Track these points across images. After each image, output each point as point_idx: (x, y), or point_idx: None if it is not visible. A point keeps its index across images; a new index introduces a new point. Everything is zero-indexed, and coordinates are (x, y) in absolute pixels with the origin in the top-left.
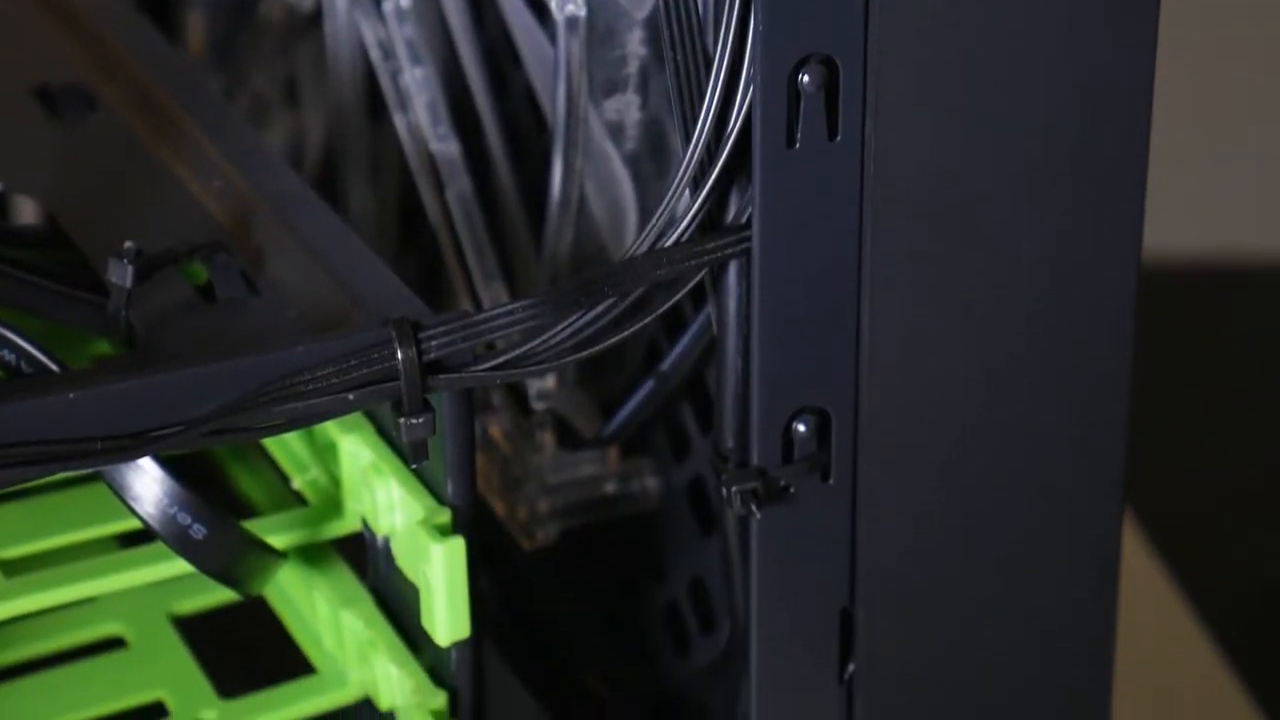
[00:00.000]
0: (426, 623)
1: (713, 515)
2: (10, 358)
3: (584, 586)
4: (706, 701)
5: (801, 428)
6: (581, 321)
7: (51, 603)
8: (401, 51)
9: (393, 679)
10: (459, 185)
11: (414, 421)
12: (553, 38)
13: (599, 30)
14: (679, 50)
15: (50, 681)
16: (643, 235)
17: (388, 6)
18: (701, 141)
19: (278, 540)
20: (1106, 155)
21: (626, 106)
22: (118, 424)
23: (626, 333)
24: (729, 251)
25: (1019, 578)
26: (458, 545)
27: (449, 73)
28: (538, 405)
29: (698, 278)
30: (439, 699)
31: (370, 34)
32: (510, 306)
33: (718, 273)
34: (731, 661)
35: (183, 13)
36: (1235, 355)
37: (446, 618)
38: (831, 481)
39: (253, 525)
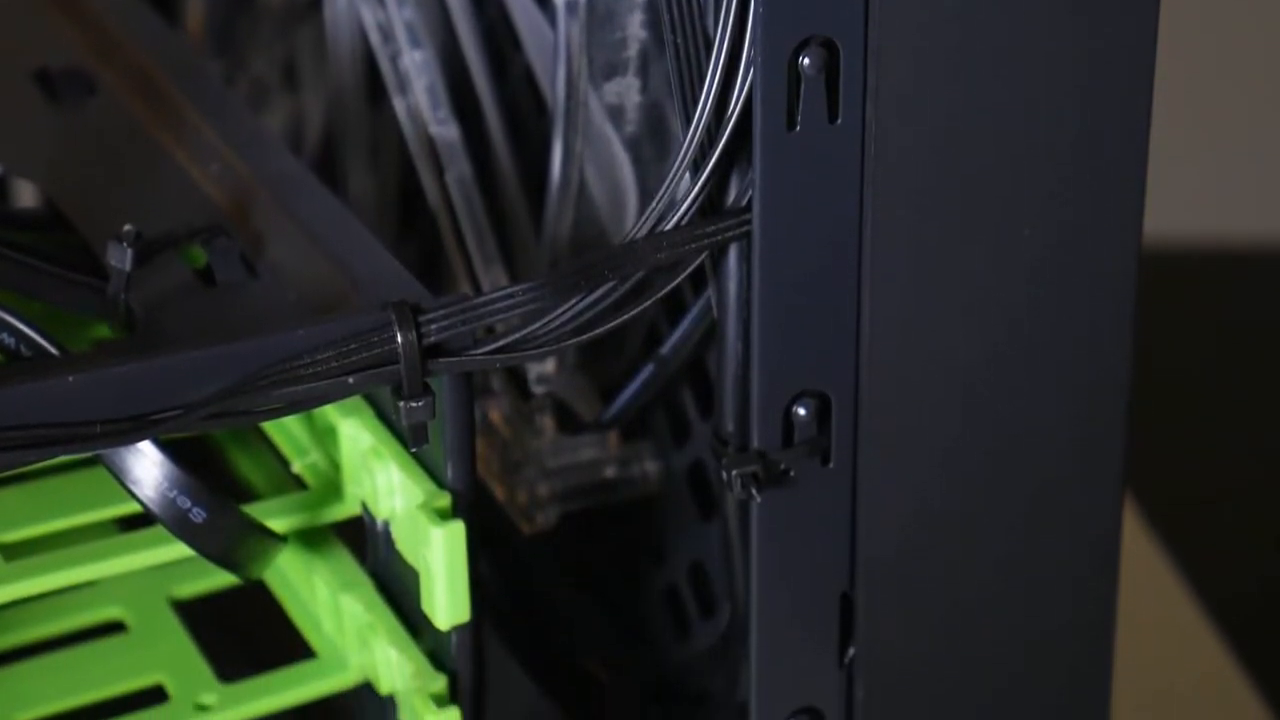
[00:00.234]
0: (426, 607)
1: (713, 499)
2: (9, 341)
3: (584, 570)
4: (706, 685)
5: (802, 411)
6: (581, 305)
7: (51, 586)
8: (401, 34)
9: (392, 663)
10: (459, 169)
11: (414, 405)
12: (552, 20)
13: (599, 13)
14: (679, 33)
15: (50, 665)
16: (643, 218)
17: None
18: (702, 124)
19: (277, 524)
20: (1107, 138)
21: (626, 89)
22: (117, 407)
23: (626, 316)
24: (729, 235)
25: (1019, 561)
26: (457, 529)
27: (448, 56)
28: (538, 389)
29: (698, 261)
30: (439, 683)
31: (369, 17)
32: (510, 290)
33: (718, 256)
34: (731, 645)
35: None
36: (1235, 342)
37: (446, 602)
38: (832, 465)
39: (252, 509)
